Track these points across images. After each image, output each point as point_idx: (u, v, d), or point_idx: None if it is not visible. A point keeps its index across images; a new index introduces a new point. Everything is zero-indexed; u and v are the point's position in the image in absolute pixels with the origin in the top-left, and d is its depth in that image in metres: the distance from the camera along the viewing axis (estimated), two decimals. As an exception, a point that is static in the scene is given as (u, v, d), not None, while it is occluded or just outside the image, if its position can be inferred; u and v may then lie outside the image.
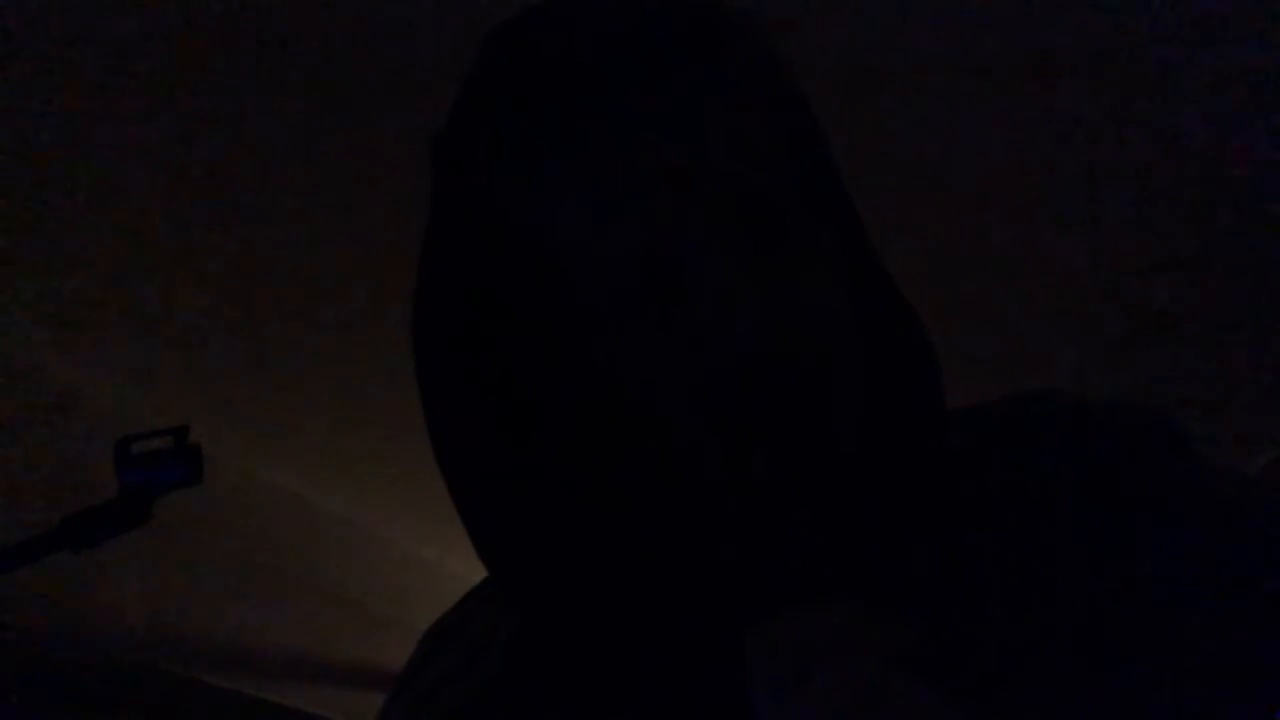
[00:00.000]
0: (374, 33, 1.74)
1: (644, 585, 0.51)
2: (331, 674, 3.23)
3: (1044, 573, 0.47)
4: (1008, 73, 1.92)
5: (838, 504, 0.48)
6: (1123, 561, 0.47)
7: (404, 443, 2.26)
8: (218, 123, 1.87)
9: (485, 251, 0.51)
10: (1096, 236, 2.34)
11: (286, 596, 3.11)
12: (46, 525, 0.77)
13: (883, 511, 0.50)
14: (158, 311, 2.29)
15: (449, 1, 1.69)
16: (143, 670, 2.72)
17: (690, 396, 0.46)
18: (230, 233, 2.12)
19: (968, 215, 2.26)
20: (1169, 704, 0.44)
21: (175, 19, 1.67)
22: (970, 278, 2.44)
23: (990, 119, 2.02)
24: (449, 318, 0.52)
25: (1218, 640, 0.45)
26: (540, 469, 0.51)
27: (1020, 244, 2.35)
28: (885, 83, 1.93)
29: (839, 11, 1.78)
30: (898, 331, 0.54)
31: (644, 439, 0.48)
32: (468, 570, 0.58)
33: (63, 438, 2.43)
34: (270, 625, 3.10)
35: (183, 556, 2.74)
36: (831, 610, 0.44)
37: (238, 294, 2.28)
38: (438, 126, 0.54)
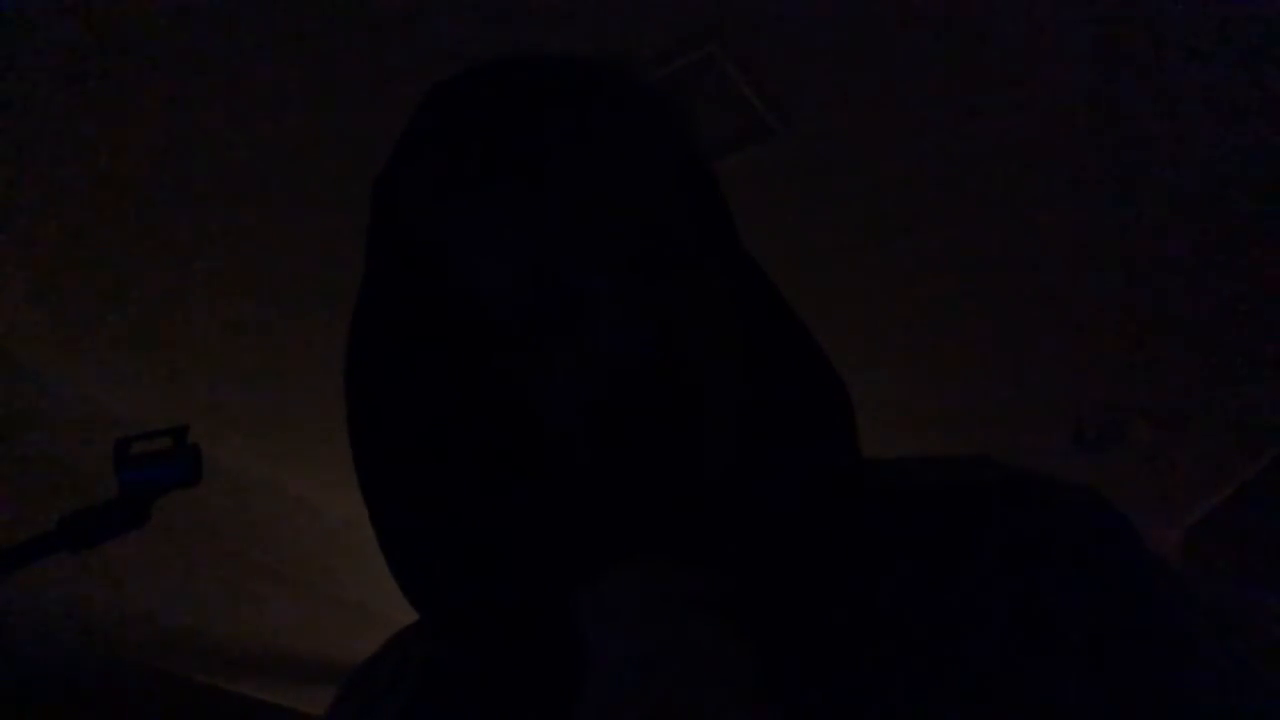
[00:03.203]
0: (379, 32, 1.74)
1: (510, 556, 0.57)
2: (331, 674, 3.23)
3: (901, 618, 0.49)
4: (1008, 72, 1.92)
5: (687, 503, 0.52)
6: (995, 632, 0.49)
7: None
8: (220, 123, 1.87)
9: (412, 282, 0.57)
10: (1096, 236, 2.34)
11: (286, 596, 3.11)
12: (46, 525, 0.77)
13: (767, 535, 0.54)
14: (158, 311, 2.30)
15: (453, 4, 1.69)
16: (143, 670, 2.72)
17: (576, 403, 0.52)
18: (231, 233, 2.12)
19: (966, 216, 2.26)
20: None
21: (179, 18, 1.67)
22: (968, 279, 2.44)
23: (989, 118, 2.02)
24: (378, 343, 0.58)
25: None
26: (444, 475, 0.57)
27: (1019, 245, 2.35)
28: (884, 83, 1.93)
29: (843, 12, 1.78)
30: (804, 376, 0.59)
31: (537, 442, 0.54)
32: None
33: (63, 438, 2.43)
34: (270, 625, 3.10)
35: (183, 556, 2.74)
36: (641, 564, 0.51)
37: (239, 294, 2.28)
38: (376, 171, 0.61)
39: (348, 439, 0.59)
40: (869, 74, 1.90)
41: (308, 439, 2.75)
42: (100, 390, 2.49)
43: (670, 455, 0.52)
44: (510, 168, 0.53)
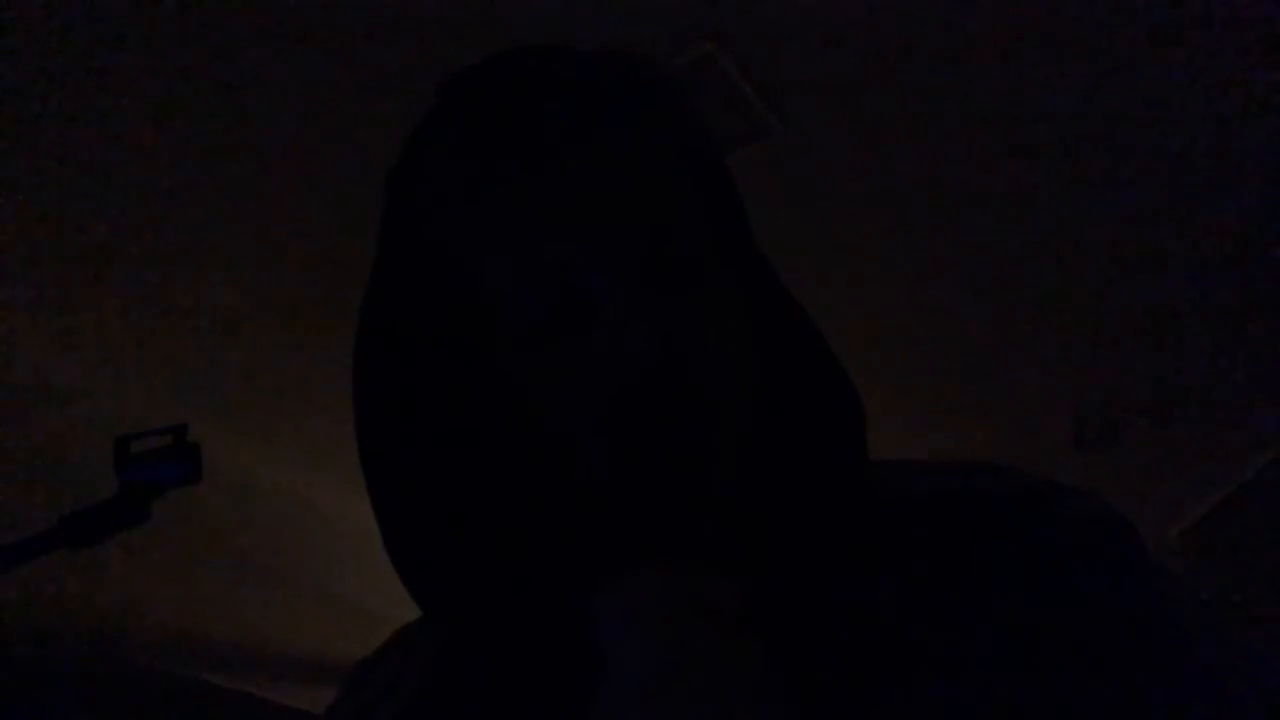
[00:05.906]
0: (380, 30, 1.74)
1: (521, 559, 0.56)
2: (331, 674, 3.23)
3: (907, 624, 0.49)
4: (1007, 71, 1.92)
5: (699, 509, 0.52)
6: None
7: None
8: (219, 122, 1.87)
9: (421, 281, 0.57)
10: (1096, 236, 2.34)
11: (286, 596, 3.11)
12: (46, 525, 0.77)
13: (772, 535, 0.53)
14: (158, 311, 2.29)
15: (453, 4, 1.69)
16: (143, 670, 2.73)
17: (586, 408, 0.52)
18: (231, 232, 2.12)
19: (966, 216, 2.26)
20: None
21: (179, 17, 1.67)
22: (970, 278, 2.44)
23: (988, 118, 2.02)
24: (386, 340, 0.58)
25: None
26: (451, 476, 0.57)
27: (1018, 245, 2.35)
28: (884, 82, 1.93)
29: (843, 12, 1.78)
30: (816, 381, 0.58)
31: (544, 447, 0.54)
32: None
33: (63, 438, 2.43)
34: (270, 625, 3.10)
35: (183, 556, 2.74)
36: (655, 569, 0.50)
37: (238, 294, 2.28)
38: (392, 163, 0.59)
39: (352, 439, 0.58)
40: (869, 74, 1.91)
41: (308, 438, 2.75)
42: (100, 390, 2.49)
43: (682, 460, 0.51)
44: (521, 167, 0.52)
